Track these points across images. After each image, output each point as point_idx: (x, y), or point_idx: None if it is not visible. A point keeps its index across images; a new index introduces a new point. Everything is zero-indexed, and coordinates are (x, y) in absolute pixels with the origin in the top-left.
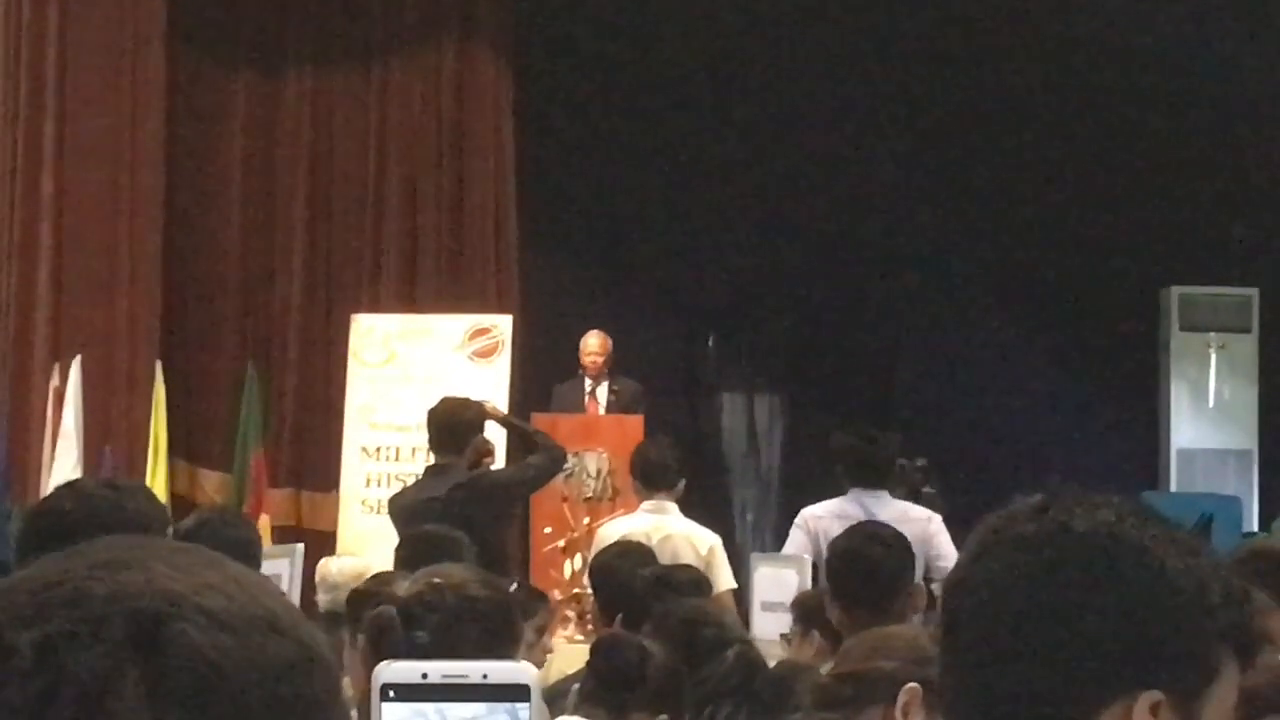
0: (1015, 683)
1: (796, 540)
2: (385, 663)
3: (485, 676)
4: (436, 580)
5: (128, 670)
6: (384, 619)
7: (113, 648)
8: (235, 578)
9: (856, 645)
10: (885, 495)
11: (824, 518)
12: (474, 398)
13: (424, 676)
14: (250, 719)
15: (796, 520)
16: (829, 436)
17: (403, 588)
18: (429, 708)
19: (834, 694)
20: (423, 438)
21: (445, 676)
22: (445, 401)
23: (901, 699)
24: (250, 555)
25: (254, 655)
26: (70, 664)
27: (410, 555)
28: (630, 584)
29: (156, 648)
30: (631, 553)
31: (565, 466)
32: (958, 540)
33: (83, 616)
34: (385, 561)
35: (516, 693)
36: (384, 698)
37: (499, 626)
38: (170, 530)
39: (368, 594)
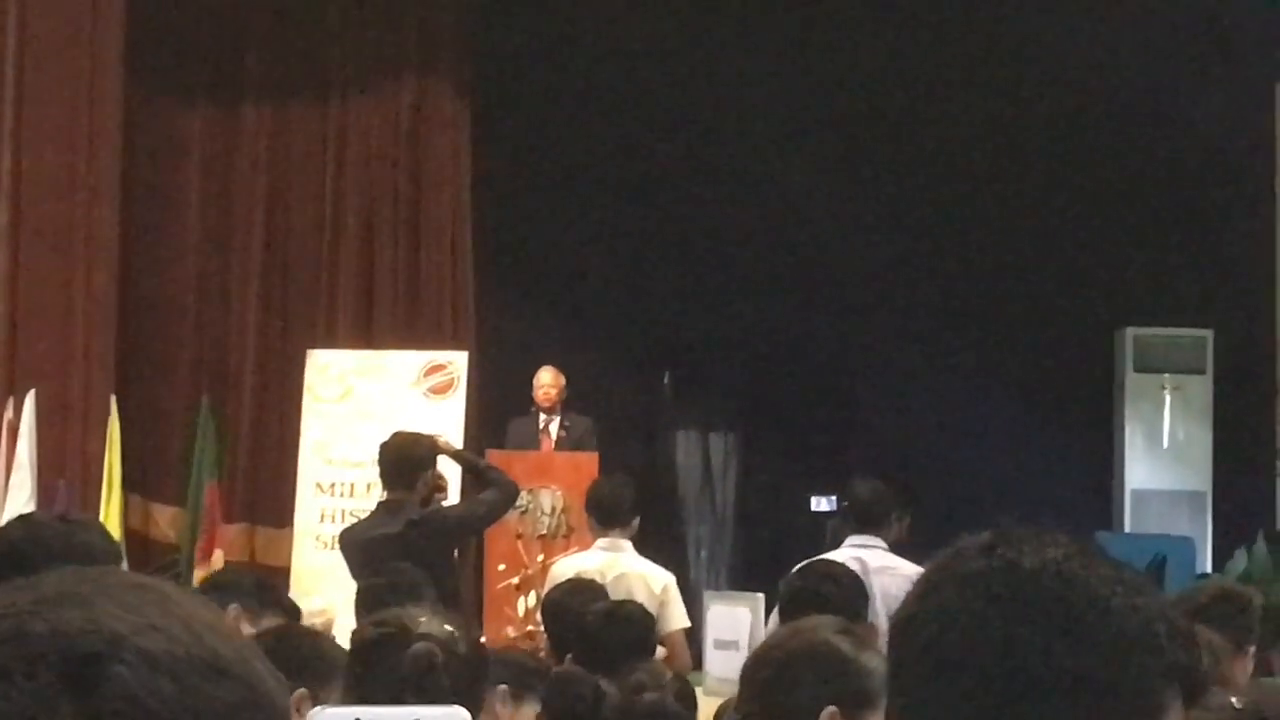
0: (961, 719)
1: None
2: (319, 708)
3: None
4: (450, 628)
5: (60, 711)
6: (426, 657)
7: (45, 687)
8: (184, 618)
9: (759, 667)
10: (879, 545)
11: None
12: (428, 433)
13: None
14: None
15: None
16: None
17: (423, 627)
18: None
19: None
20: (377, 474)
21: None
22: (396, 436)
23: None
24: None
25: (192, 700)
26: (0, 703)
27: (374, 596)
28: (581, 621)
29: (91, 689)
30: (582, 590)
31: (519, 504)
32: None
33: (18, 654)
34: (342, 599)
35: None
36: None
37: (473, 678)
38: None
39: (391, 636)
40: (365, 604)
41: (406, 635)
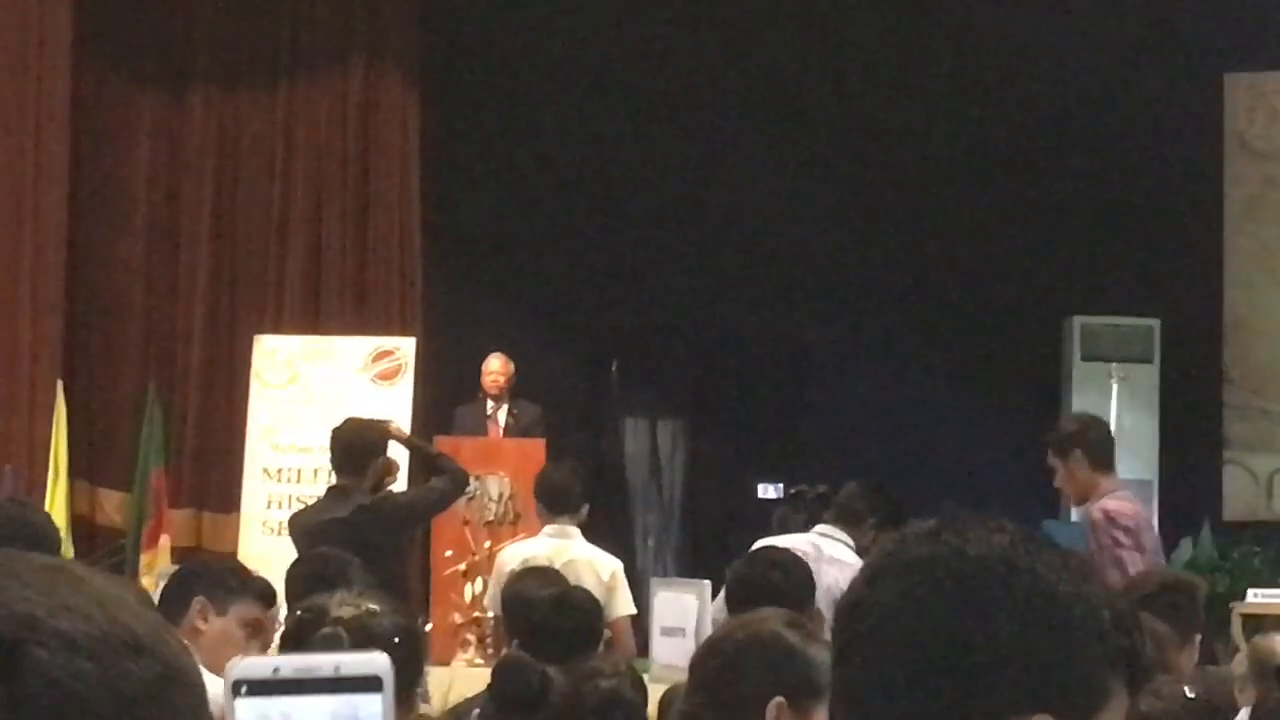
0: (907, 706)
1: None
2: (238, 658)
3: (337, 669)
4: (373, 607)
5: None
6: (331, 640)
7: None
8: (97, 597)
9: (708, 657)
10: (843, 540)
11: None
12: (379, 419)
13: (276, 671)
14: None
15: None
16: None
17: (340, 610)
18: (279, 703)
19: None
20: (325, 459)
21: (297, 670)
22: (349, 422)
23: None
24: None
25: (112, 678)
26: None
27: (303, 577)
28: (529, 607)
29: (11, 673)
30: (539, 575)
31: (468, 489)
32: None
33: None
34: None
35: (369, 684)
36: (236, 693)
37: (404, 658)
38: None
39: (308, 622)
40: (289, 592)
41: (322, 620)
